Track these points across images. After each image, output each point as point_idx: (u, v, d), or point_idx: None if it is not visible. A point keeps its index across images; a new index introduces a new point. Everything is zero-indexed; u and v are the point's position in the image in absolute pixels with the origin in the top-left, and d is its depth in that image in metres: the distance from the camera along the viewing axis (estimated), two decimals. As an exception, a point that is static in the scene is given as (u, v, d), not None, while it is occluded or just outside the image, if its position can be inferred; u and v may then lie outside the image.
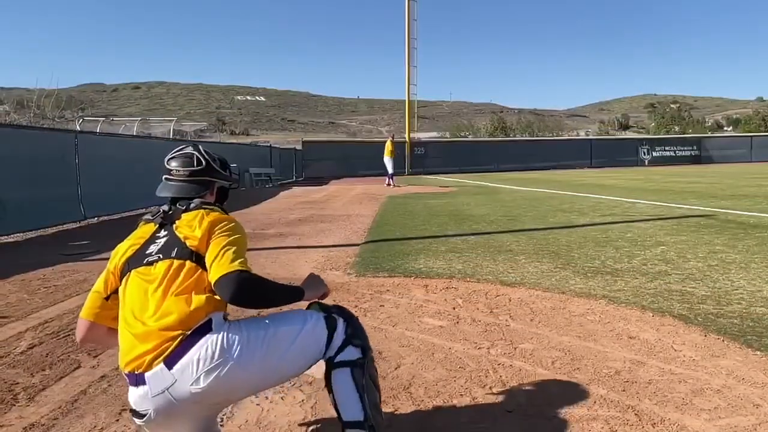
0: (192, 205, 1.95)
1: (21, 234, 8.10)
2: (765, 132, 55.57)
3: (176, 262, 1.75)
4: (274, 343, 1.71)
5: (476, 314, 3.72)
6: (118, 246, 1.91)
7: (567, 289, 4.26)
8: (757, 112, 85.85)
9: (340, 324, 1.90)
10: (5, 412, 2.43)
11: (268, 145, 30.81)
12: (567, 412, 2.30)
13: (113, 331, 1.82)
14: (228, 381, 1.62)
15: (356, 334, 1.92)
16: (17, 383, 2.74)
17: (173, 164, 2.06)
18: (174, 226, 1.87)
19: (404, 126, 33.37)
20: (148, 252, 1.82)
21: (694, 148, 37.82)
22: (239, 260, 1.71)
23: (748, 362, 2.74)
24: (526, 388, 2.56)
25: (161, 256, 1.78)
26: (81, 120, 23.81)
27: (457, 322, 3.56)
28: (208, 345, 1.62)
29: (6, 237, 7.81)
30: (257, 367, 1.68)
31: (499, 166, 32.67)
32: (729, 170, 25.01)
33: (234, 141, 57.73)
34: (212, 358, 1.61)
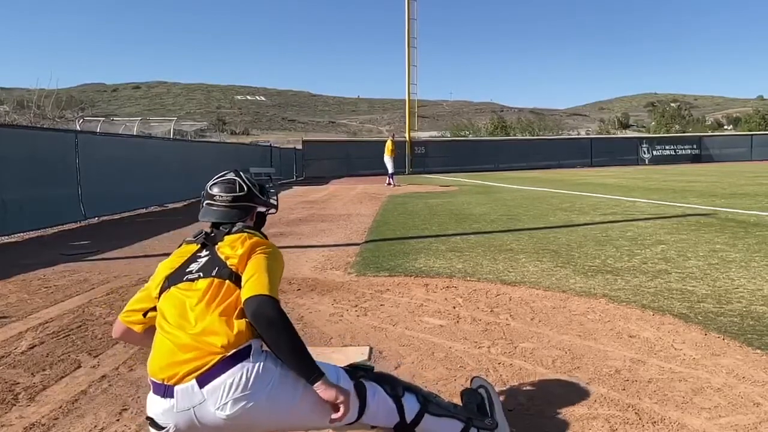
0: (235, 229, 1.98)
1: (21, 234, 8.11)
2: (765, 131, 55.55)
3: (216, 281, 1.77)
4: (305, 390, 1.67)
5: (476, 313, 3.72)
6: (160, 264, 1.95)
7: (567, 288, 4.26)
8: (757, 111, 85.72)
9: (379, 391, 1.86)
10: (6, 412, 2.43)
11: (269, 144, 30.83)
12: (567, 411, 2.30)
13: (147, 335, 1.85)
14: (252, 414, 1.60)
15: (394, 384, 1.92)
16: (18, 383, 2.75)
17: (215, 190, 2.09)
18: (216, 247, 1.90)
19: (404, 125, 33.38)
20: (188, 270, 1.85)
21: (695, 146, 37.79)
22: (271, 286, 1.73)
23: (749, 361, 2.74)
24: (527, 387, 2.56)
25: (201, 274, 1.81)
26: (81, 120, 23.79)
27: (458, 322, 3.56)
28: (243, 372, 1.60)
29: (6, 237, 7.82)
30: (283, 409, 1.66)
31: (499, 165, 32.67)
32: (729, 169, 25.00)
33: (234, 141, 57.78)
34: (244, 386, 1.59)
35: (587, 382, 2.58)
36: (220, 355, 1.61)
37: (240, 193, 2.10)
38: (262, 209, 2.24)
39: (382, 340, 3.26)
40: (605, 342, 3.10)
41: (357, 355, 3.02)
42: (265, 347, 1.71)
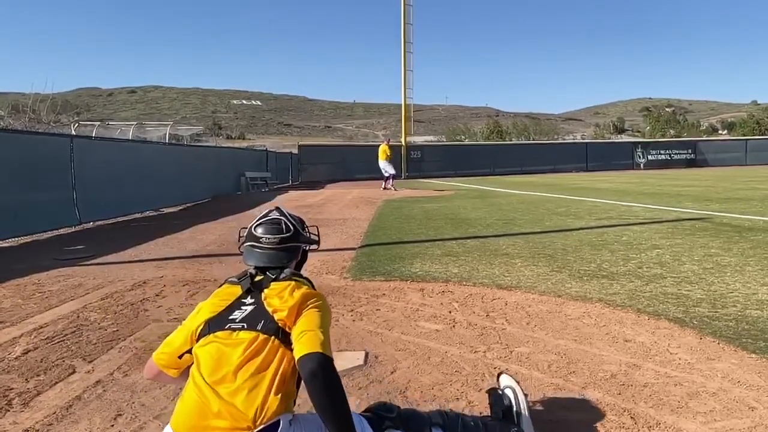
0: (282, 275, 1.88)
1: (16, 238, 8.07)
2: (759, 135, 55.89)
3: (261, 337, 1.67)
4: None
5: (472, 318, 3.72)
6: (200, 304, 1.84)
7: (563, 293, 4.26)
8: (752, 116, 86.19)
9: None
10: (0, 418, 2.42)
11: (264, 149, 30.76)
12: (563, 416, 2.31)
13: (182, 377, 1.79)
14: None
15: (421, 427, 1.86)
16: (12, 388, 2.73)
17: (260, 231, 1.98)
18: (262, 295, 1.80)
19: (400, 130, 33.40)
20: (231, 317, 1.74)
21: (689, 151, 38.01)
22: (327, 345, 1.66)
23: (744, 365, 2.75)
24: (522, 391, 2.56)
25: (245, 325, 1.71)
26: (76, 124, 23.67)
27: (453, 326, 3.56)
28: None
29: (1, 242, 7.78)
30: None
31: (495, 170, 32.75)
32: (724, 173, 25.12)
33: (230, 145, 57.64)
34: None
35: (583, 387, 2.58)
36: (247, 430, 1.52)
37: (287, 234, 1.98)
38: (305, 247, 2.12)
39: (378, 344, 3.26)
40: (601, 346, 3.10)
41: (353, 359, 3.01)
42: (292, 420, 1.63)
